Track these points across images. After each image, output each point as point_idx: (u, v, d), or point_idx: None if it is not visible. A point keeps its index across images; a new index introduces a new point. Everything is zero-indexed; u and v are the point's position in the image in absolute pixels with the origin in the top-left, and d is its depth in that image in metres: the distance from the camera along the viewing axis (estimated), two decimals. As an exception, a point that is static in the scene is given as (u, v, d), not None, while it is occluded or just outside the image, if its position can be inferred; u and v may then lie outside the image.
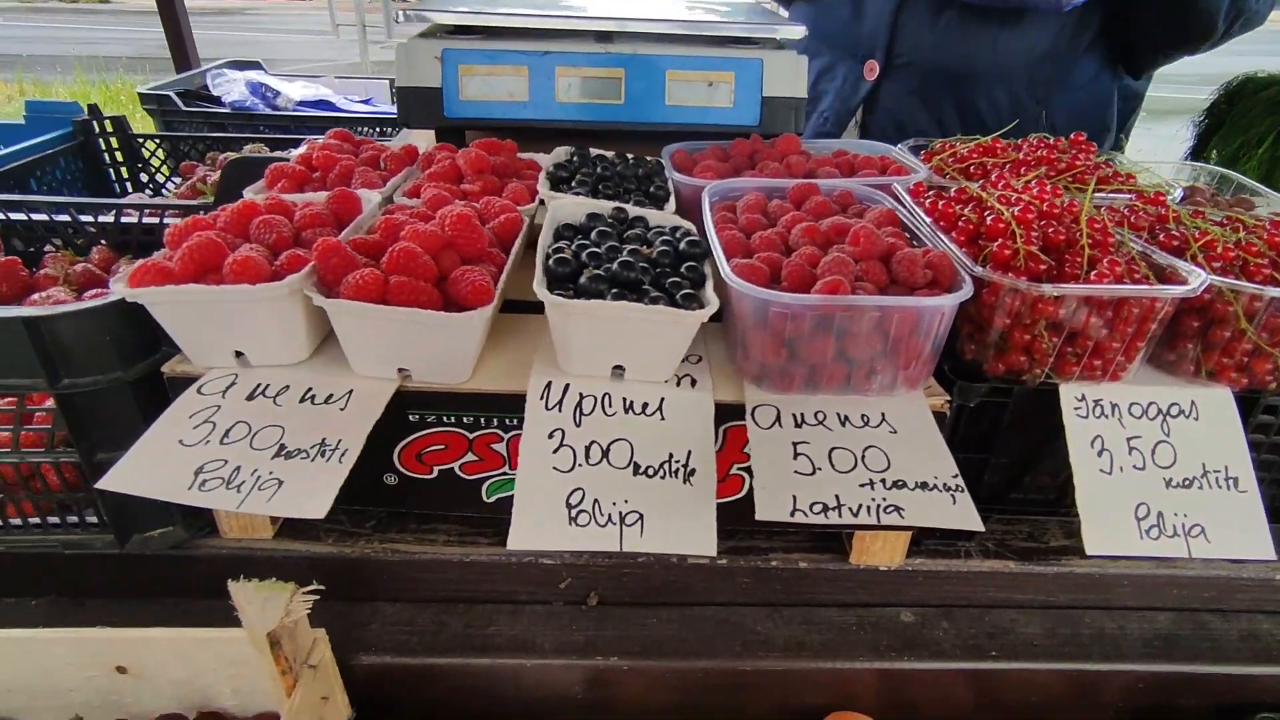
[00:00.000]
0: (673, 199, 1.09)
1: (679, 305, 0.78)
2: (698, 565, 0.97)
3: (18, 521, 0.92)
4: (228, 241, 0.81)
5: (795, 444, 0.75)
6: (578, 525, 0.73)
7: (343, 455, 0.73)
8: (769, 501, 0.70)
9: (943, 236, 0.87)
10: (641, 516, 0.73)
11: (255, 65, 3.07)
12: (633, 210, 0.99)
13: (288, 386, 0.79)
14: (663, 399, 0.81)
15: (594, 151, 1.26)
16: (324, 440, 0.74)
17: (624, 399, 0.81)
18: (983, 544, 1.00)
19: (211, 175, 1.62)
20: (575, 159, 1.22)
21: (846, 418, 0.78)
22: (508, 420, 0.84)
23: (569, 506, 0.74)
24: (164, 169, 1.95)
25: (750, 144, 1.27)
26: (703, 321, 0.77)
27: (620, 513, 0.73)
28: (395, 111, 2.50)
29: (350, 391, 0.79)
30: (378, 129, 2.51)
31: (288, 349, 0.81)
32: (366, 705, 0.91)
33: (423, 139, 1.45)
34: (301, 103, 2.85)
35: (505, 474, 0.87)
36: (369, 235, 0.83)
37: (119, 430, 0.85)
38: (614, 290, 0.78)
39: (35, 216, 1.35)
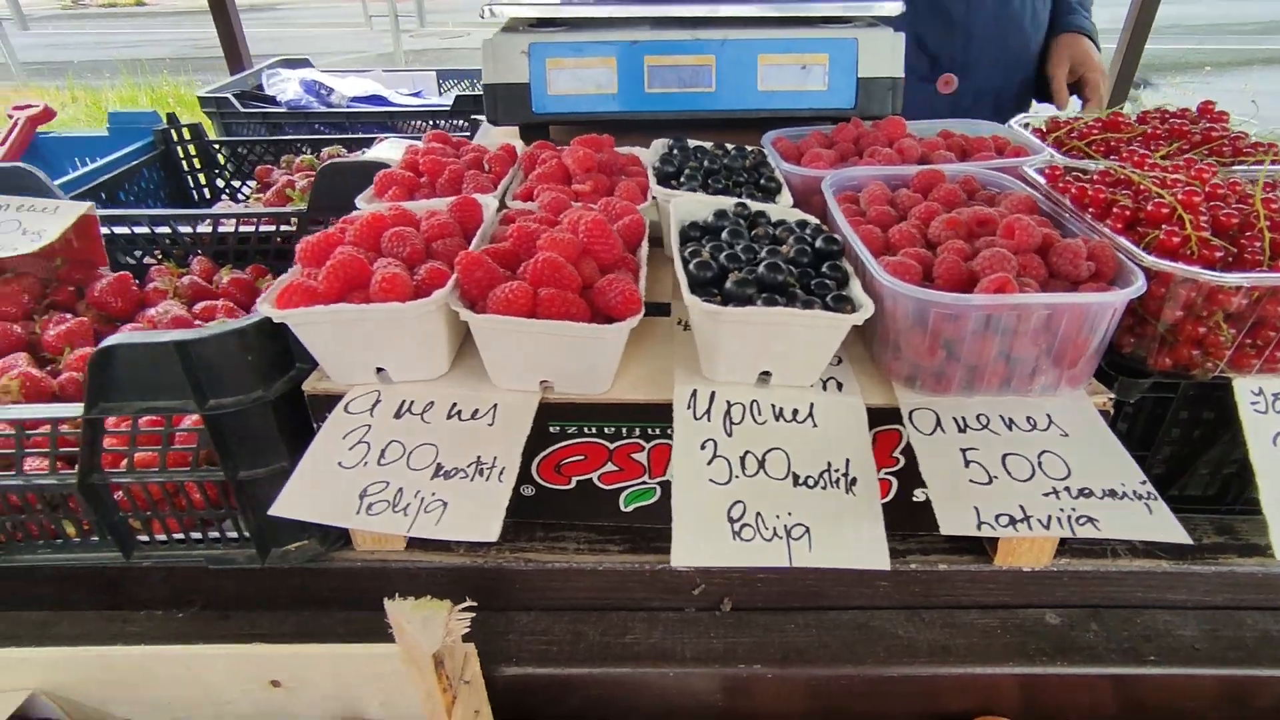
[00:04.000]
0: (786, 190, 1.06)
1: (832, 308, 0.75)
2: (835, 570, 0.94)
3: (163, 537, 0.93)
4: (364, 257, 0.81)
5: (964, 450, 0.72)
6: (742, 539, 0.71)
7: (501, 473, 0.72)
8: (951, 515, 0.67)
9: (1099, 225, 0.82)
10: (808, 530, 0.71)
11: (305, 63, 3.08)
12: (753, 205, 0.96)
13: (432, 403, 0.78)
14: (812, 404, 0.79)
15: (692, 143, 1.23)
16: (479, 458, 0.73)
17: (773, 406, 0.78)
18: (1130, 543, 0.96)
19: (295, 180, 1.62)
20: (676, 152, 1.19)
21: (1012, 420, 0.75)
22: (650, 430, 0.82)
23: (731, 520, 0.72)
24: (231, 174, 1.97)
25: (853, 128, 1.22)
26: (858, 325, 0.74)
27: (785, 526, 0.71)
28: (446, 104, 2.49)
29: (494, 406, 0.78)
30: (430, 121, 2.51)
31: (429, 364, 0.80)
32: (505, 716, 0.91)
33: (501, 137, 1.43)
34: (354, 98, 2.85)
35: (644, 484, 0.86)
36: (501, 244, 0.82)
37: (259, 448, 0.85)
38: (763, 294, 0.75)
39: (137, 230, 1.36)
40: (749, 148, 1.22)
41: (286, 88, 2.85)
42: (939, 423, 0.75)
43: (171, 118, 1.91)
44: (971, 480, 0.70)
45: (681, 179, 1.07)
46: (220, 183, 2.00)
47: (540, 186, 1.00)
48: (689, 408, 0.78)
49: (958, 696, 0.94)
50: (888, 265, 0.76)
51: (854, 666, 0.91)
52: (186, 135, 1.91)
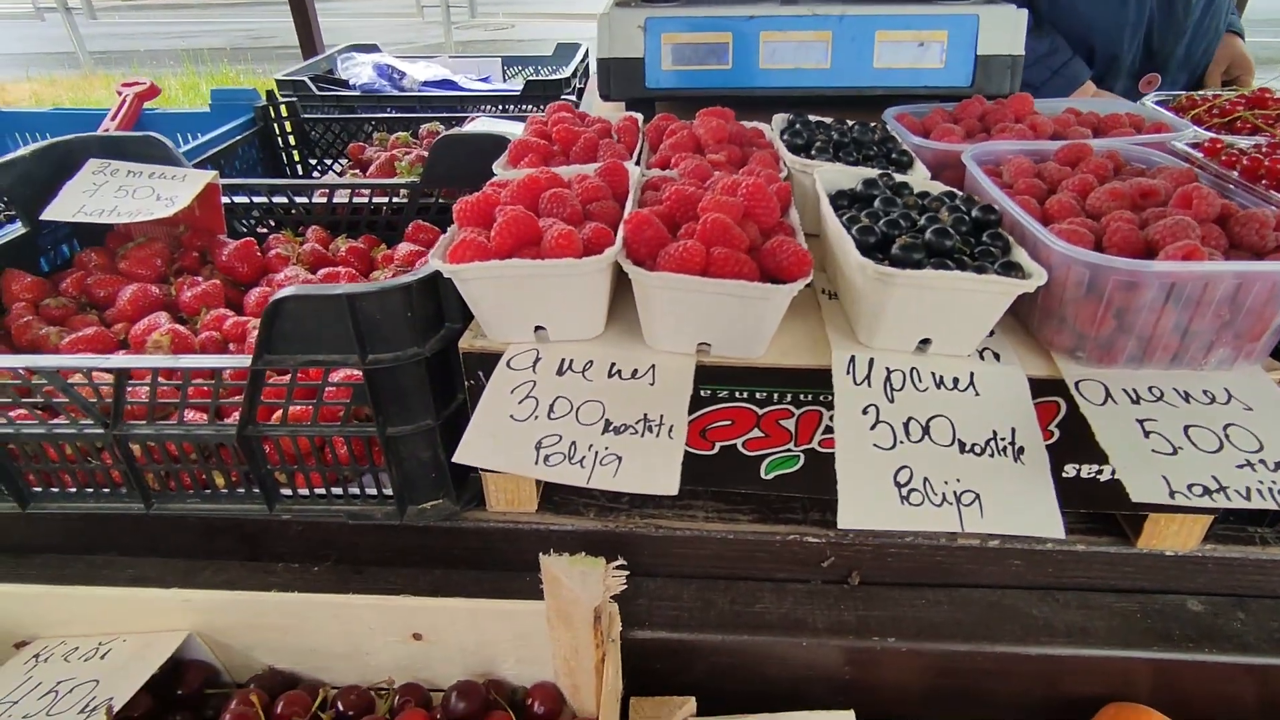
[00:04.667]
0: (920, 164, 1.04)
1: (1002, 274, 0.73)
2: (966, 547, 0.93)
3: (305, 491, 0.95)
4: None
5: (1140, 421, 0.70)
6: (910, 504, 0.70)
7: (671, 430, 0.72)
8: (1141, 483, 0.65)
9: (1272, 195, 0.80)
10: (978, 496, 0.70)
11: (374, 48, 3.12)
12: (897, 176, 0.95)
13: (591, 362, 0.79)
14: (972, 373, 0.78)
15: (812, 118, 1.22)
16: (646, 416, 0.74)
17: (933, 374, 0.77)
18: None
19: (398, 156, 1.65)
20: (799, 125, 1.18)
21: (1188, 393, 0.73)
22: (802, 396, 0.81)
23: (898, 485, 0.71)
24: (323, 151, 2.01)
25: (978, 105, 1.20)
26: (1028, 291, 0.73)
27: (955, 492, 0.70)
28: (516, 89, 2.49)
29: (652, 366, 0.79)
30: (500, 106, 2.52)
31: (588, 323, 0.81)
32: (635, 679, 0.92)
33: (602, 113, 1.44)
34: (425, 83, 2.88)
35: (789, 451, 0.85)
36: (657, 207, 0.82)
37: (409, 404, 0.87)
38: (931, 260, 0.74)
39: (256, 199, 1.40)
40: (871, 123, 1.20)
41: (360, 72, 2.88)
42: (1109, 393, 0.74)
43: (270, 95, 1.96)
44: (1154, 450, 0.68)
45: (813, 151, 1.06)
46: (312, 159, 2.04)
47: (676, 155, 1.00)
48: (848, 373, 0.77)
49: (1090, 680, 0.92)
50: (1059, 232, 0.75)
51: (989, 644, 0.90)
52: (284, 112, 1.95)
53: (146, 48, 10.99)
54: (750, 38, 1.32)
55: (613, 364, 0.79)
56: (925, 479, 0.71)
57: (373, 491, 0.95)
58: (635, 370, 0.78)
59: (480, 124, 1.88)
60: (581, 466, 0.70)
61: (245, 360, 0.84)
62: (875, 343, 0.79)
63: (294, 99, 2.00)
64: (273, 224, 1.44)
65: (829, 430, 0.83)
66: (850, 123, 1.21)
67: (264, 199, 1.40)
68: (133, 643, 0.88)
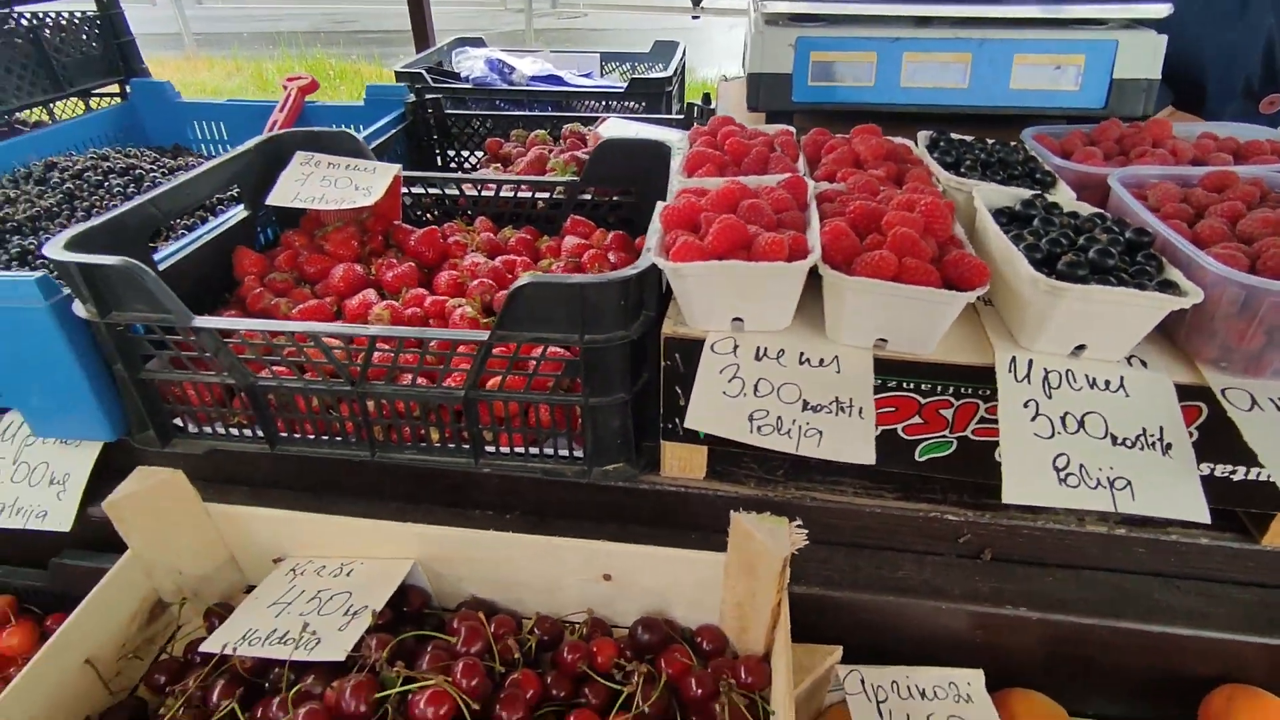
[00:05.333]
0: (1063, 185, 1.13)
1: (1161, 291, 0.83)
2: (1093, 533, 1.03)
3: (506, 449, 1.11)
4: (710, 220, 0.95)
5: (1288, 427, 0.80)
6: (1068, 486, 0.81)
7: (861, 411, 0.85)
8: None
9: None
10: (1129, 482, 0.81)
11: (480, 42, 3.28)
12: (1048, 197, 1.05)
13: (783, 350, 0.92)
14: (1122, 377, 0.88)
15: (955, 136, 1.32)
16: (837, 399, 0.86)
17: (1086, 375, 0.88)
18: (1399, 537, 1.00)
19: (552, 154, 1.79)
20: (943, 143, 1.28)
21: (1328, 405, 0.82)
22: (962, 389, 0.93)
23: (1056, 469, 0.82)
24: (460, 145, 2.18)
25: (1114, 128, 1.28)
26: (1184, 308, 0.83)
27: (1108, 478, 0.81)
28: (620, 86, 2.59)
29: (835, 357, 0.91)
30: (604, 102, 2.64)
31: (780, 317, 0.94)
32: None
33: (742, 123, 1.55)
34: (533, 78, 3.03)
35: (944, 437, 0.97)
36: (845, 219, 0.94)
37: (610, 379, 1.01)
38: (1094, 276, 0.85)
39: (431, 191, 1.57)
40: (1010, 143, 1.30)
41: (473, 65, 3.05)
42: (1255, 401, 0.83)
43: (419, 92, 2.14)
44: (1301, 452, 0.78)
45: (962, 170, 1.17)
46: (450, 151, 2.21)
47: (842, 170, 1.12)
48: (1010, 371, 0.88)
49: (1206, 661, 1.01)
50: (1216, 255, 0.84)
51: (1112, 620, 1.00)
52: (430, 110, 2.13)
53: (240, 30, 11.55)
54: (894, 57, 1.42)
55: (801, 353, 0.91)
56: (1081, 465, 0.82)
57: (562, 453, 1.10)
58: (822, 359, 0.91)
59: (611, 125, 2.03)
60: (789, 437, 0.83)
61: (481, 334, 0.99)
62: (1036, 346, 0.90)
63: (438, 96, 2.17)
64: (435, 213, 1.61)
65: (983, 420, 0.95)
66: (991, 141, 1.31)
67: (438, 190, 1.56)
68: (370, 565, 1.05)
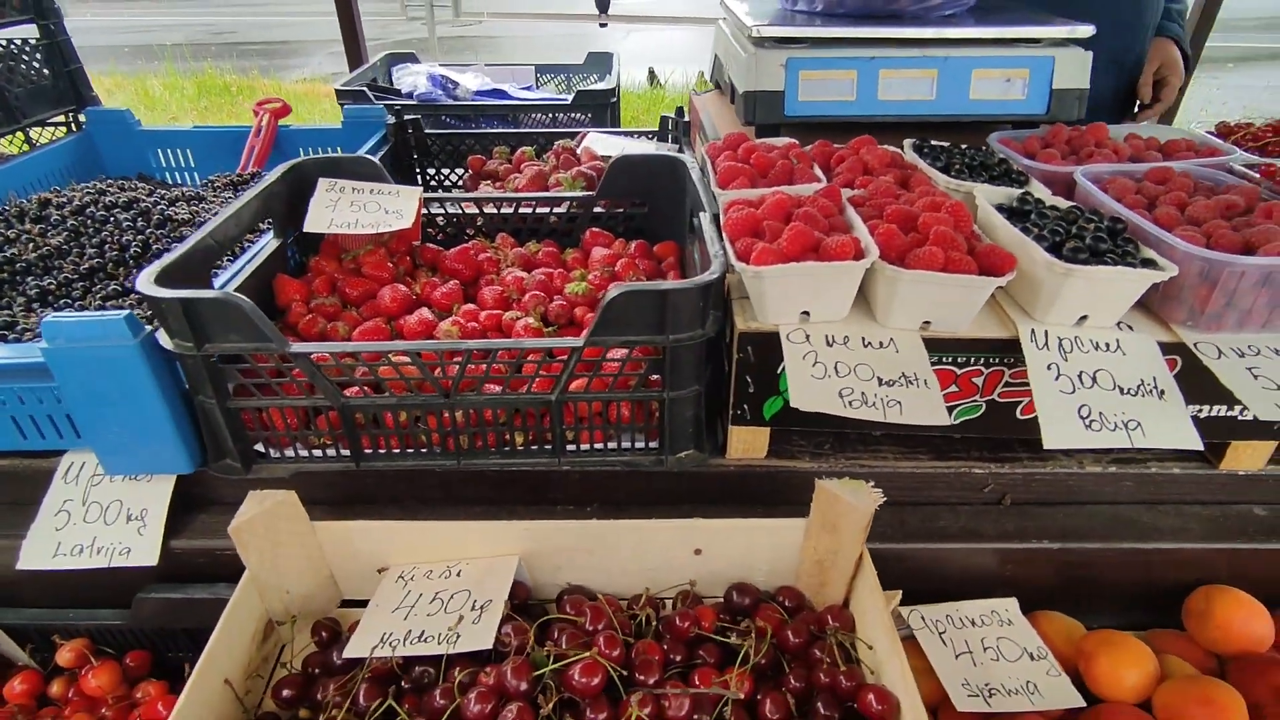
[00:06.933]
0: (1036, 182, 1.34)
1: (1147, 268, 1.03)
2: (1090, 473, 1.23)
3: (586, 446, 1.21)
4: (772, 228, 1.09)
5: (1249, 369, 1.01)
6: (1092, 430, 1.00)
7: (926, 382, 1.00)
8: (1263, 409, 0.96)
9: (1321, 209, 1.12)
10: (1140, 423, 1.00)
11: (412, 58, 3.31)
12: (1035, 193, 1.25)
13: (848, 337, 1.06)
14: (1117, 339, 1.07)
15: (933, 142, 1.51)
16: (903, 374, 1.02)
17: (1090, 340, 1.07)
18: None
19: (550, 170, 1.88)
20: (926, 150, 1.47)
21: (1277, 349, 1.04)
22: (991, 359, 1.10)
23: (1081, 417, 1.01)
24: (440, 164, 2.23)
25: (1065, 131, 1.51)
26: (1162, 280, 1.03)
27: (1122, 421, 1.00)
28: (565, 99, 2.68)
29: (891, 339, 1.07)
30: (550, 114, 2.74)
31: (841, 308, 1.08)
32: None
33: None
34: (478, 92, 3.08)
35: (975, 401, 1.14)
36: (885, 221, 1.10)
37: (686, 373, 1.13)
38: (1093, 259, 1.04)
39: (450, 210, 1.63)
40: (981, 147, 1.50)
41: (416, 81, 3.08)
42: (1220, 351, 1.04)
43: (398, 113, 2.18)
44: (1264, 387, 0.99)
45: (952, 173, 1.35)
46: (430, 170, 2.26)
47: (859, 178, 1.28)
48: (1031, 341, 1.06)
49: (1185, 568, 1.23)
50: (1183, 236, 1.05)
51: (1115, 542, 1.21)
52: (410, 129, 2.17)
53: (110, 43, 10.78)
54: (871, 74, 1.60)
55: (863, 338, 1.06)
56: (1100, 413, 1.01)
57: (638, 445, 1.21)
58: (880, 342, 1.06)
59: (593, 140, 2.13)
60: (875, 408, 0.97)
61: (573, 341, 1.09)
62: (1048, 319, 1.08)
63: (418, 117, 2.21)
64: (448, 230, 1.67)
65: (1007, 385, 1.13)
66: (964, 146, 1.51)
67: (457, 209, 1.63)
68: (475, 565, 1.12)
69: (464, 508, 1.26)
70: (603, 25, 9.03)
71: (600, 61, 3.39)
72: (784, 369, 1.11)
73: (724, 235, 1.13)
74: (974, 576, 1.24)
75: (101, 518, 1.17)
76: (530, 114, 2.76)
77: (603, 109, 2.66)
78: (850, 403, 0.97)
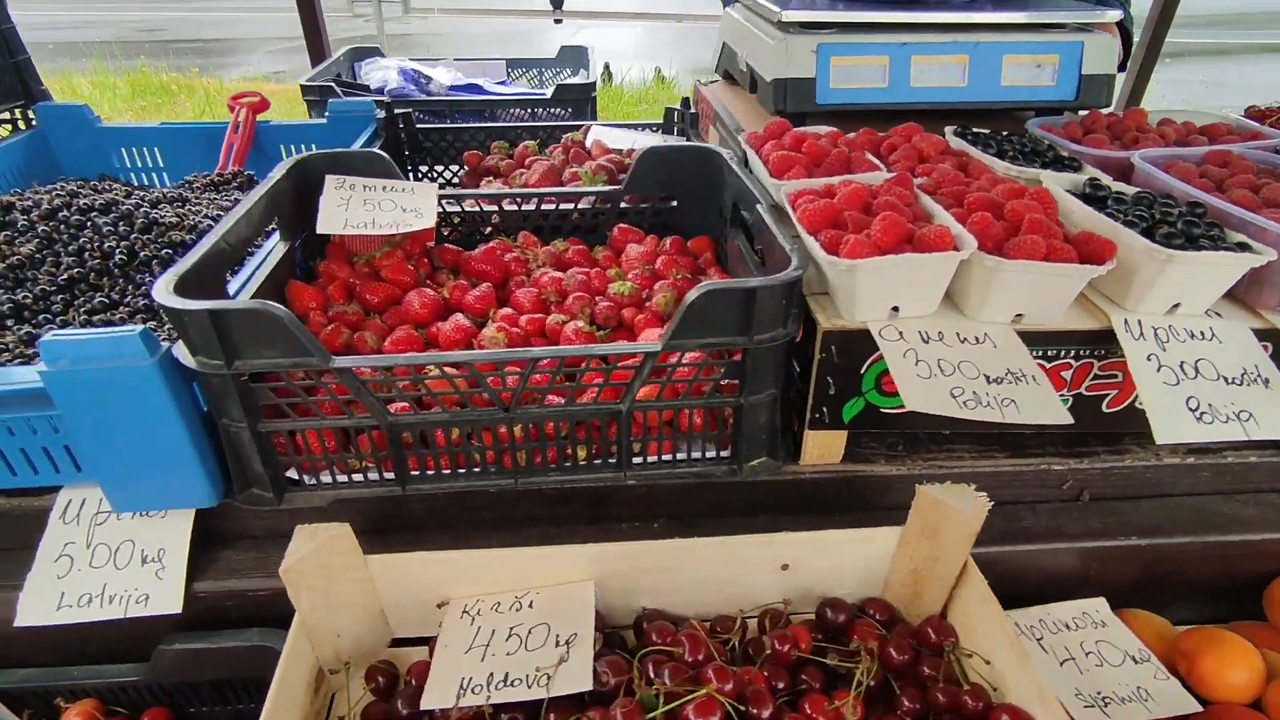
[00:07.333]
0: (1088, 166, 1.31)
1: (1245, 252, 1.00)
2: (1170, 465, 1.20)
3: (653, 458, 1.12)
4: (854, 219, 1.02)
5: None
6: (1204, 423, 0.96)
7: (1034, 378, 0.95)
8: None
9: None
10: (1252, 414, 0.96)
11: (376, 52, 3.16)
12: (1103, 180, 1.21)
13: (941, 333, 1.00)
14: (1211, 327, 1.04)
15: (975, 129, 1.47)
16: (1009, 370, 0.96)
17: (1185, 328, 1.03)
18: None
19: (582, 165, 1.77)
20: (969, 137, 1.42)
21: (1369, 332, 1.02)
22: (1081, 351, 1.05)
23: (1190, 410, 0.97)
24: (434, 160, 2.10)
25: (1104, 117, 1.49)
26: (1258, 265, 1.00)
27: (1233, 412, 0.97)
28: (545, 94, 2.59)
29: (985, 334, 1.01)
30: (529, 110, 2.65)
31: (932, 301, 1.02)
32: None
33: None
34: (452, 87, 2.96)
35: (1063, 395, 1.09)
36: (963, 209, 1.04)
37: (765, 376, 1.05)
38: (1188, 244, 1.00)
39: (467, 208, 1.52)
40: (1022, 133, 1.46)
41: (386, 76, 2.93)
42: (1319, 337, 1.02)
43: (388, 107, 2.05)
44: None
45: (1005, 160, 1.31)
46: (424, 167, 2.13)
47: (920, 166, 1.22)
48: (1126, 331, 1.02)
49: (1264, 559, 1.21)
50: (1272, 218, 1.02)
51: (1199, 535, 1.17)
52: (402, 125, 2.04)
53: (29, 40, 10.10)
54: (903, 60, 1.56)
55: (957, 333, 1.00)
56: (1210, 404, 0.97)
57: (709, 454, 1.12)
58: (976, 338, 1.00)
59: (600, 133, 2.03)
60: (991, 408, 0.91)
61: (651, 345, 0.99)
62: (1140, 308, 1.04)
63: (409, 111, 2.08)
64: (461, 230, 1.55)
65: (1095, 377, 1.08)
66: (1005, 132, 1.47)
67: (474, 207, 1.52)
68: (546, 593, 1.02)
69: (519, 530, 1.15)
70: (558, 21, 8.88)
71: (573, 56, 3.30)
72: (868, 369, 1.05)
73: (802, 228, 1.05)
74: (1055, 577, 1.19)
75: (111, 561, 1.03)
76: (508, 109, 2.65)
77: (583, 104, 2.58)
78: (965, 403, 0.91)
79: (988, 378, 0.95)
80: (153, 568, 1.02)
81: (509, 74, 3.37)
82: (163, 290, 0.91)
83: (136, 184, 1.97)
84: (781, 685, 0.96)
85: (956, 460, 1.19)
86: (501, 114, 2.68)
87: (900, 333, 0.99)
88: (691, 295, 0.95)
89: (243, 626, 1.07)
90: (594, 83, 2.61)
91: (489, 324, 1.22)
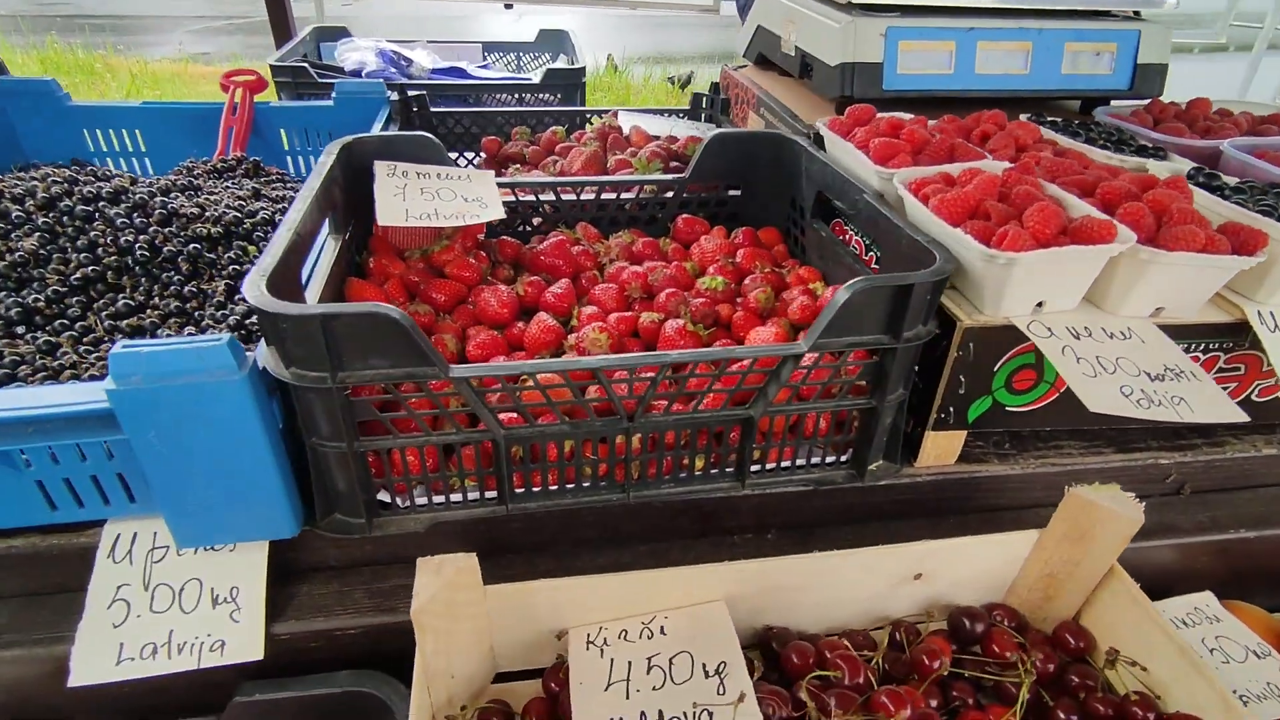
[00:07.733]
0: (1174, 155, 1.29)
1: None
2: (1267, 455, 1.20)
3: (772, 465, 1.04)
4: (996, 209, 0.97)
5: None
6: None
7: (1193, 373, 0.91)
8: None
9: None
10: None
11: (345, 33, 2.99)
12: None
13: (1088, 329, 0.95)
14: (1305, 315, 1.03)
15: (1048, 117, 1.44)
16: (1165, 365, 0.92)
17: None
18: None
19: (623, 151, 1.67)
20: (1047, 125, 1.39)
21: None
22: (1210, 345, 1.03)
23: None
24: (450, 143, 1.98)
25: (1170, 106, 1.48)
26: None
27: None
28: (532, 79, 2.49)
29: (1129, 329, 0.97)
30: (517, 95, 2.54)
31: (1076, 296, 0.97)
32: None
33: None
34: (434, 71, 2.83)
35: (1186, 390, 1.07)
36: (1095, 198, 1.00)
37: (899, 377, 0.98)
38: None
39: (523, 198, 1.40)
40: (1099, 121, 1.44)
41: (364, 58, 2.78)
42: None
43: (403, 90, 1.91)
44: None
45: (1097, 148, 1.28)
46: (437, 154, 1.99)
47: (1024, 156, 1.18)
48: (1262, 324, 1.00)
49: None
50: (1399, 210, 1.01)
51: (1301, 528, 1.18)
52: (415, 109, 1.90)
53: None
54: (969, 46, 1.51)
55: (1102, 328, 0.96)
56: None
57: (828, 459, 1.06)
58: (1122, 333, 0.96)
59: (631, 119, 1.94)
60: (1164, 407, 0.87)
61: (796, 345, 0.91)
62: (1273, 300, 1.02)
63: (424, 94, 1.94)
64: (508, 221, 1.44)
65: (1220, 370, 1.06)
66: (1077, 120, 1.44)
67: (532, 196, 1.41)
68: (676, 617, 0.93)
69: (625, 547, 1.06)
70: (508, 6, 8.61)
71: (552, 40, 3.21)
72: (1000, 367, 1.00)
73: (938, 218, 0.99)
74: (1158, 573, 1.17)
75: (176, 604, 0.89)
76: (494, 94, 2.54)
77: (573, 89, 2.50)
78: (1138, 402, 0.86)
79: (1149, 374, 0.91)
80: (226, 609, 0.89)
81: (484, 57, 3.24)
82: (255, 291, 0.78)
83: (114, 169, 1.77)
84: (935, 703, 0.90)
85: (1065, 457, 1.15)
86: (487, 99, 2.55)
87: (1049, 329, 0.94)
88: (843, 293, 0.88)
89: (324, 670, 0.95)
90: (583, 68, 2.52)
91: (577, 324, 1.12)
